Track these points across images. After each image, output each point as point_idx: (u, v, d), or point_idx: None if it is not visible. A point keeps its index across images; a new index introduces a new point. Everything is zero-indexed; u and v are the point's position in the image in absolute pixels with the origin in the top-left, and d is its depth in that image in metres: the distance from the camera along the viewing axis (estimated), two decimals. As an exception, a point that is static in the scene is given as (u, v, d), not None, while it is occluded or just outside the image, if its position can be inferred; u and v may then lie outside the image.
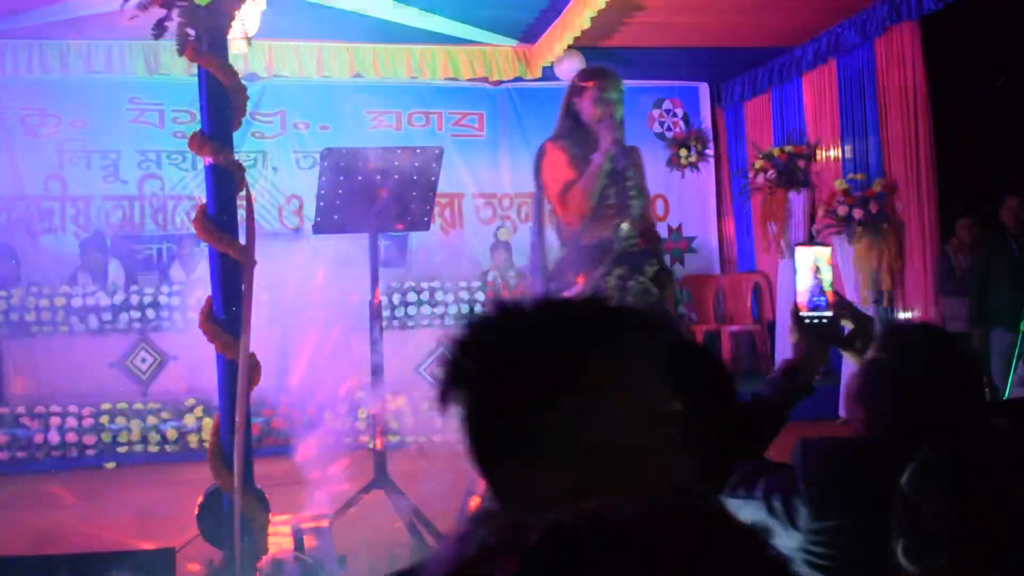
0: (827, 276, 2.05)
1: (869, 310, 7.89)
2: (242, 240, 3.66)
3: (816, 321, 2.02)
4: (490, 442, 0.95)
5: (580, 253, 3.82)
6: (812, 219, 8.76)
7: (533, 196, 4.05)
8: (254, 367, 3.58)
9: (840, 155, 8.56)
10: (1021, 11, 6.51)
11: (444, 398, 0.95)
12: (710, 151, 10.35)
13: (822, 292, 2.04)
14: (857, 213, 7.76)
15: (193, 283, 7.69)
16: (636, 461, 0.93)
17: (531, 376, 0.93)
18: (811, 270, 2.04)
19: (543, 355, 0.93)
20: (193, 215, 3.73)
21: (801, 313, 2.03)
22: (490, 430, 0.95)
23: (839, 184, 7.99)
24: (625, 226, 3.80)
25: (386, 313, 7.40)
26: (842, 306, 2.07)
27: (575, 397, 0.92)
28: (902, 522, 1.44)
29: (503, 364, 0.94)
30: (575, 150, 3.80)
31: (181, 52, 3.63)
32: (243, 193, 3.73)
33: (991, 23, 6.84)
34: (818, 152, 8.87)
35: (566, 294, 3.58)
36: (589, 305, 1.00)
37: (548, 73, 8.86)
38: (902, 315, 7.92)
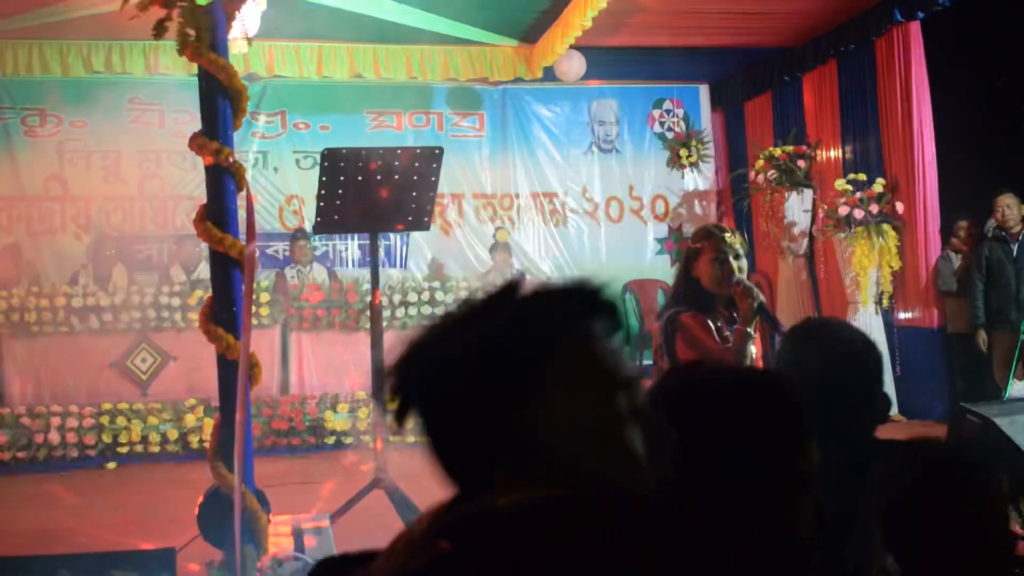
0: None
1: (869, 310, 7.91)
2: (242, 240, 3.66)
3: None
4: (450, 453, 0.96)
5: None
6: (813, 219, 8.76)
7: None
8: (254, 367, 3.58)
9: (840, 155, 8.56)
10: (1021, 11, 6.50)
11: (400, 414, 0.96)
12: (710, 151, 10.36)
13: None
14: (858, 213, 7.76)
15: (193, 283, 7.69)
16: (588, 467, 0.93)
17: (482, 387, 0.92)
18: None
19: (493, 365, 0.92)
20: (193, 215, 3.72)
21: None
22: (448, 442, 0.95)
23: (840, 184, 7.99)
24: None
25: (386, 313, 7.39)
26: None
27: (525, 405, 0.92)
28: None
29: (452, 380, 0.93)
30: (709, 317, 3.44)
31: (181, 52, 3.62)
32: (243, 193, 3.73)
33: (991, 23, 6.82)
34: (818, 152, 8.87)
35: None
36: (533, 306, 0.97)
37: (548, 73, 8.85)
38: (902, 315, 7.93)
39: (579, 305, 0.96)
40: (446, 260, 9.70)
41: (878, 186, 7.79)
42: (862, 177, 7.96)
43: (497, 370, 0.92)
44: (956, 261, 7.37)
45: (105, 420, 7.08)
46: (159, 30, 3.59)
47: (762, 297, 3.44)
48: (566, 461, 0.92)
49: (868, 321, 7.81)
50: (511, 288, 0.97)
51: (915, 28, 7.56)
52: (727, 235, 3.49)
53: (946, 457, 1.62)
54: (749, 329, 3.39)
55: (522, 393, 0.91)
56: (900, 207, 7.73)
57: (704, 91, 10.41)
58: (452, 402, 0.93)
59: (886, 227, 7.75)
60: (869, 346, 2.09)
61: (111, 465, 7.03)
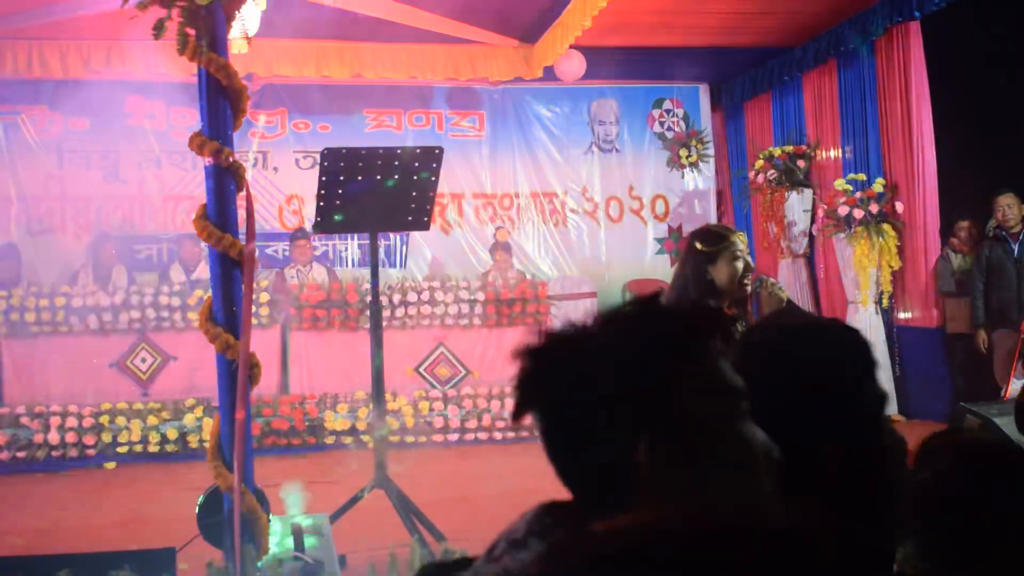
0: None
1: (869, 310, 7.91)
2: (242, 240, 3.66)
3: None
4: (566, 452, 0.97)
5: None
6: (812, 219, 8.77)
7: None
8: (254, 367, 3.58)
9: (840, 155, 8.56)
10: (1021, 11, 6.51)
11: (519, 412, 0.99)
12: (710, 151, 10.36)
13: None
14: (857, 213, 7.76)
15: (193, 283, 7.68)
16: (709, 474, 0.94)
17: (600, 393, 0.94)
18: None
19: (612, 374, 0.94)
20: (193, 215, 3.72)
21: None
22: (565, 441, 0.97)
23: (839, 184, 7.99)
24: None
25: (386, 313, 7.39)
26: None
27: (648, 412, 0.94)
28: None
29: (573, 385, 0.96)
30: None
31: (181, 52, 3.62)
32: (243, 193, 3.73)
33: (991, 23, 6.83)
34: (818, 152, 8.87)
35: None
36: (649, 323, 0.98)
37: (548, 73, 8.85)
38: (902, 315, 7.93)
39: (699, 325, 1.00)
40: (446, 260, 9.70)
41: (878, 186, 7.79)
42: (862, 177, 7.97)
43: (614, 389, 0.94)
44: (956, 261, 7.37)
45: (105, 420, 7.08)
46: (159, 30, 3.59)
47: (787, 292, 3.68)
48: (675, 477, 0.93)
49: (868, 321, 7.82)
50: (640, 308, 0.99)
51: (915, 28, 7.56)
52: (737, 236, 3.59)
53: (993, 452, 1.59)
54: None
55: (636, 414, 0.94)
56: (900, 207, 7.73)
57: (704, 91, 10.41)
58: (567, 411, 0.96)
59: (886, 227, 7.76)
60: None
61: (111, 465, 7.03)
